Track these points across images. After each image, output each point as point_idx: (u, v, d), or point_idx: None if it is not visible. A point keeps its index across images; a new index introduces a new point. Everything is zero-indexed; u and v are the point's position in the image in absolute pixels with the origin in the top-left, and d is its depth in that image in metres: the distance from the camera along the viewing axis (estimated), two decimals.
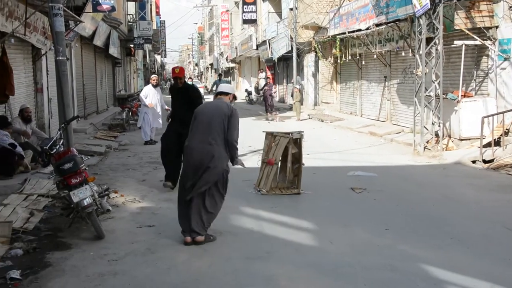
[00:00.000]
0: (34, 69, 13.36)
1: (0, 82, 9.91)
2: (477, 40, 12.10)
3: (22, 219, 6.70)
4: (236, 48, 44.91)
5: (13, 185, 8.52)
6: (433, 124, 12.41)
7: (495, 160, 10.58)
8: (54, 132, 10.45)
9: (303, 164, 8.71)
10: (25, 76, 12.68)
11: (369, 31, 17.11)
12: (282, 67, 33.13)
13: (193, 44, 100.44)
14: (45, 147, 6.50)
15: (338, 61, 21.54)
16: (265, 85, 26.09)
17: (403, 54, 15.48)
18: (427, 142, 12.38)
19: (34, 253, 5.72)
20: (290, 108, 26.71)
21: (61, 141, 6.72)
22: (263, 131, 9.19)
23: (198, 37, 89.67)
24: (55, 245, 6.01)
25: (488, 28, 11.99)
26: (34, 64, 13.33)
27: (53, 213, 7.30)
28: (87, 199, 6.08)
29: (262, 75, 36.89)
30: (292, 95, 27.31)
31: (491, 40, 12.02)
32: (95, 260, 5.49)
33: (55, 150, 6.45)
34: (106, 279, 4.98)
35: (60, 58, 8.50)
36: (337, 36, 20.50)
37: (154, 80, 15.31)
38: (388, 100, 17.79)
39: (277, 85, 35.59)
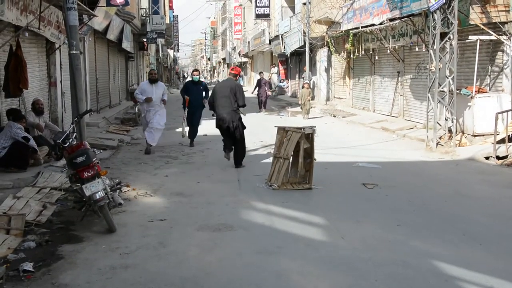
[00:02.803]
0: (48, 63, 13.44)
1: (14, 76, 9.99)
2: (492, 35, 11.97)
3: (35, 212, 6.76)
4: (248, 42, 44.84)
5: (27, 178, 8.60)
6: (446, 120, 12.32)
7: (509, 156, 10.48)
8: (67, 125, 10.52)
9: (315, 159, 8.69)
10: (39, 70, 12.77)
11: (382, 26, 16.99)
12: (295, 62, 33.03)
13: (205, 39, 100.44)
14: (58, 141, 6.55)
15: (351, 56, 21.41)
16: (258, 81, 24.95)
17: (416, 49, 15.36)
18: (440, 138, 12.29)
19: (47, 245, 5.77)
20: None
21: (74, 135, 6.76)
22: (275, 126, 9.18)
23: (211, 31, 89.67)
24: (67, 238, 6.06)
25: (504, 23, 11.85)
26: (48, 58, 13.42)
27: (66, 206, 7.36)
28: (99, 192, 6.12)
29: (275, 70, 36.81)
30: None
31: (506, 35, 11.88)
32: (107, 253, 5.52)
33: (68, 143, 6.50)
34: (118, 272, 5.01)
35: (74, 52, 8.54)
36: (350, 31, 20.38)
37: (152, 74, 12.98)
38: (401, 95, 17.68)
39: (289, 80, 35.51)
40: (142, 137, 15.20)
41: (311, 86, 27.18)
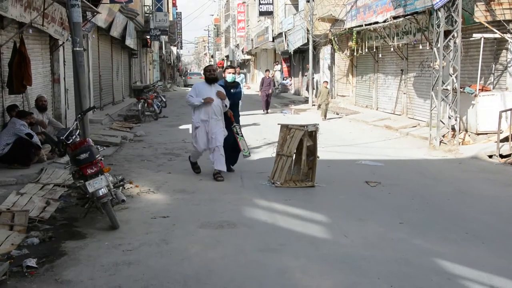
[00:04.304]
0: (51, 59, 13.46)
1: (18, 73, 9.99)
2: (496, 33, 11.94)
3: (38, 208, 6.78)
4: (252, 40, 44.81)
5: (30, 175, 8.62)
6: (449, 118, 12.30)
7: None
8: (71, 122, 10.56)
9: (318, 157, 8.69)
10: (43, 66, 12.79)
11: (386, 23, 16.96)
12: (298, 59, 33.00)
13: (209, 36, 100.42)
14: (61, 137, 6.55)
15: (355, 54, 21.39)
16: (262, 79, 23.13)
17: (420, 47, 15.34)
18: (443, 136, 12.28)
19: (50, 242, 5.79)
20: (305, 101, 26.62)
21: (77, 132, 6.77)
22: (278, 124, 9.17)
23: (214, 29, 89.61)
24: (70, 234, 6.08)
25: (508, 21, 11.82)
26: (52, 55, 13.43)
27: (69, 202, 7.37)
28: (102, 189, 6.13)
29: (278, 67, 36.79)
30: (307, 88, 27.04)
31: (511, 33, 11.84)
32: (110, 250, 5.53)
33: (71, 140, 6.50)
34: (121, 269, 5.02)
35: (77, 48, 8.54)
36: (354, 29, 20.35)
37: (210, 71, 9.12)
38: (404, 93, 17.66)
39: (292, 77, 35.48)
40: (145, 134, 15.22)
41: (315, 84, 27.19)
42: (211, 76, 9.02)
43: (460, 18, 11.82)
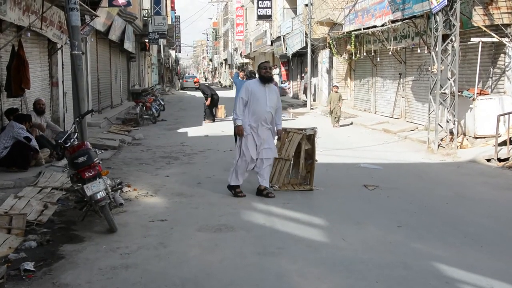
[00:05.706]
0: (49, 63, 13.45)
1: (16, 76, 9.99)
2: (494, 37, 11.96)
3: (36, 212, 6.76)
4: (250, 43, 44.87)
5: (28, 178, 8.61)
6: (447, 121, 12.32)
7: (510, 158, 10.48)
8: (69, 125, 10.53)
9: (316, 161, 8.69)
10: (41, 70, 12.79)
11: (384, 27, 16.99)
12: (297, 63, 33.04)
13: (207, 40, 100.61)
14: (59, 141, 6.56)
15: (353, 57, 21.43)
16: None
17: (418, 51, 15.35)
18: (442, 139, 12.29)
19: (48, 245, 5.77)
20: (304, 105, 26.63)
21: (76, 135, 6.76)
22: None
23: (213, 32, 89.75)
24: (68, 237, 6.07)
25: (506, 25, 11.84)
26: (50, 58, 13.43)
27: (67, 206, 7.36)
28: (100, 192, 6.12)
29: (276, 71, 36.83)
30: (304, 92, 27.04)
31: (509, 37, 11.86)
32: (108, 253, 5.52)
33: (69, 143, 6.50)
34: (118, 272, 5.01)
35: (76, 52, 8.54)
36: (352, 33, 20.38)
37: (267, 68, 7.98)
38: (402, 97, 17.68)
39: (291, 81, 35.51)
40: (144, 137, 15.21)
41: (313, 88, 27.21)
42: (266, 74, 7.86)
43: (458, 22, 11.85)
